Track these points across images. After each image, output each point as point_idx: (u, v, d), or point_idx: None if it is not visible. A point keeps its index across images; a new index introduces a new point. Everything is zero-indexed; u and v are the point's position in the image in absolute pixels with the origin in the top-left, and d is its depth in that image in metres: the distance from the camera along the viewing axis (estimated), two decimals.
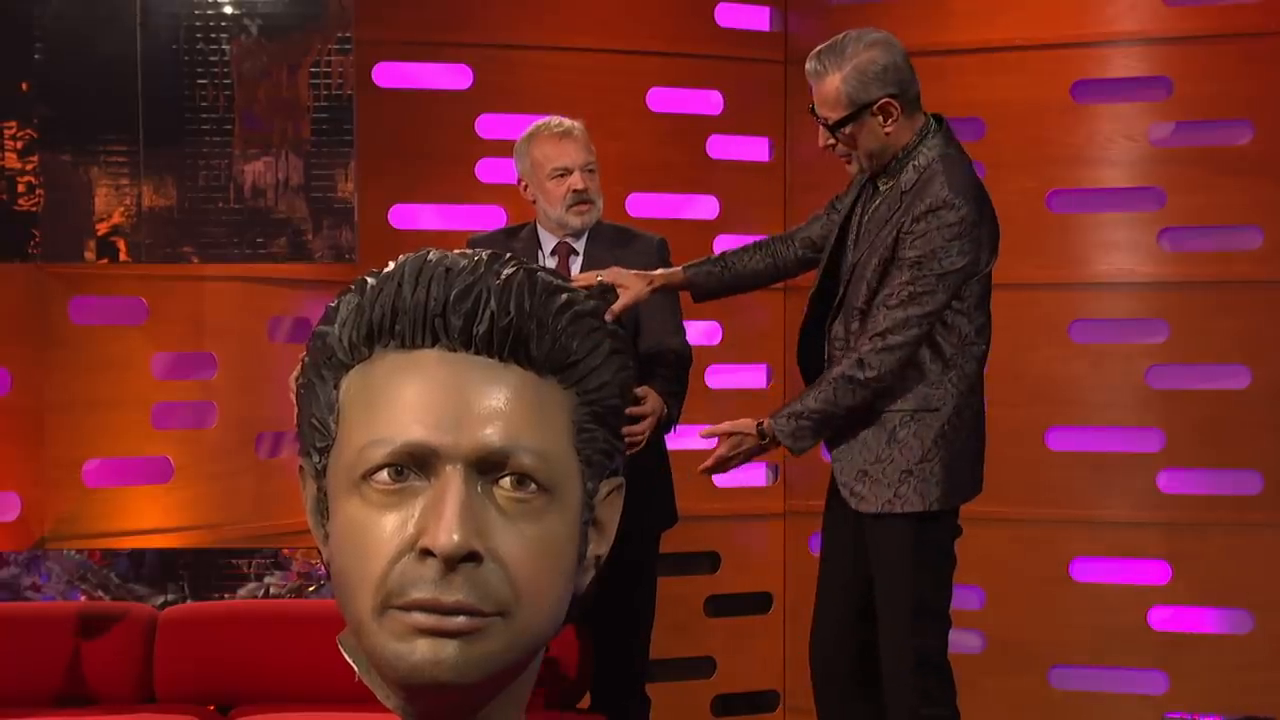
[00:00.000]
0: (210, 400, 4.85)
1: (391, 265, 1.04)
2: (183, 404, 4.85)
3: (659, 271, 3.96)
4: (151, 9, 4.54)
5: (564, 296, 1.02)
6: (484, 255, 1.03)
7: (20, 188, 4.52)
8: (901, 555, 3.66)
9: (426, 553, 0.97)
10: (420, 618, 0.97)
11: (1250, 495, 4.98)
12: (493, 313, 1.00)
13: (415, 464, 0.99)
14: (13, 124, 4.51)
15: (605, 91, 5.13)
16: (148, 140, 4.56)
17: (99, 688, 4.16)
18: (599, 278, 3.82)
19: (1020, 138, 5.09)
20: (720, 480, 5.33)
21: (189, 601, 4.50)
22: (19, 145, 4.51)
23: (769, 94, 5.36)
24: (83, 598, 4.51)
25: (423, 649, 0.97)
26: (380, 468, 0.99)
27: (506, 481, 1.00)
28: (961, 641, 4.71)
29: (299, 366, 1.08)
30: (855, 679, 3.83)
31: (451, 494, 0.98)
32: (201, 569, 4.61)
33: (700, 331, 5.14)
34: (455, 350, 1.01)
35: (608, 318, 1.06)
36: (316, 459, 1.05)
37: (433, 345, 1.01)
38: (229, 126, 4.60)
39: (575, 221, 4.15)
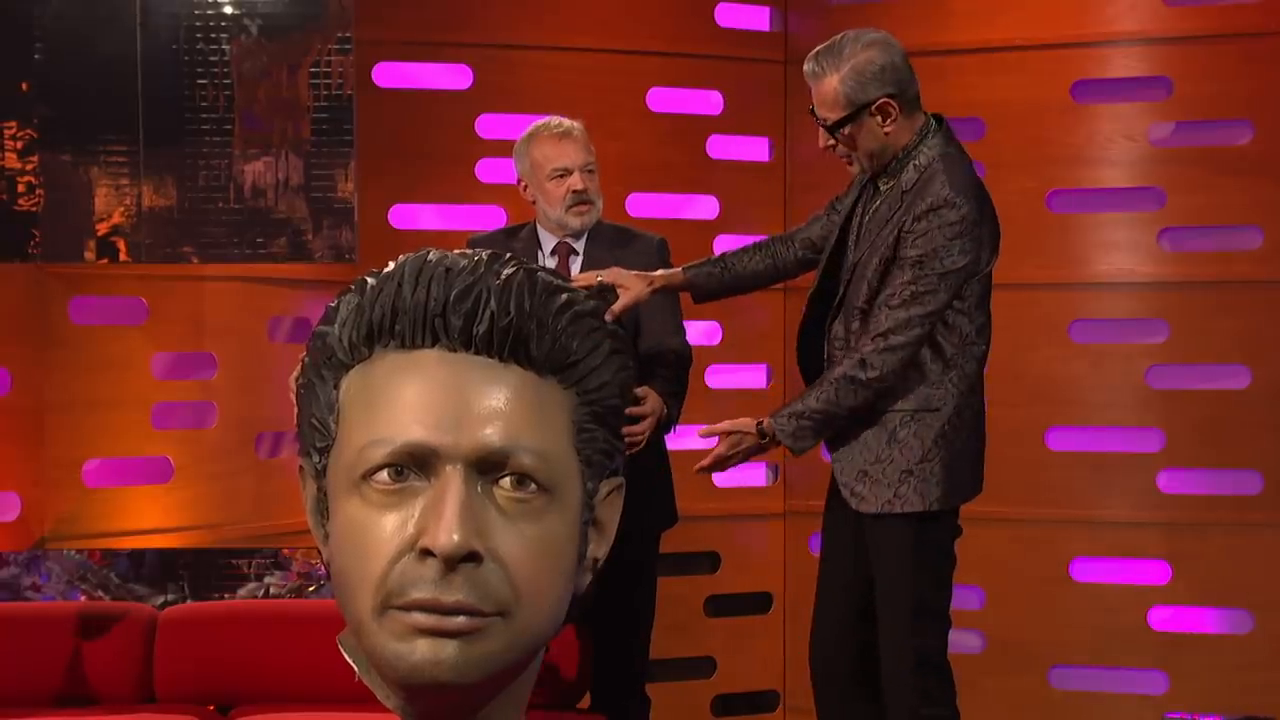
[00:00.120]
0: (210, 400, 4.85)
1: (391, 265, 1.04)
2: (183, 404, 4.85)
3: (659, 272, 3.96)
4: (151, 9, 4.54)
5: (564, 296, 1.02)
6: (484, 255, 1.03)
7: (20, 188, 4.52)
8: (902, 555, 3.66)
9: (426, 553, 0.97)
10: (420, 618, 0.97)
11: (1250, 495, 4.98)
12: (493, 313, 1.00)
13: (415, 464, 0.99)
14: (13, 124, 4.51)
15: (605, 91, 5.13)
16: (148, 140, 4.56)
17: (99, 688, 4.16)
18: (599, 278, 3.82)
19: (1020, 138, 5.09)
20: (720, 480, 5.33)
21: (189, 601, 4.50)
22: (19, 145, 4.51)
23: (769, 94, 5.36)
24: (83, 598, 4.51)
25: (423, 649, 0.97)
26: (380, 468, 0.99)
27: (506, 481, 1.00)
28: (961, 641, 4.71)
29: (299, 366, 1.08)
30: (855, 679, 3.83)
31: (451, 494, 0.98)
32: (201, 569, 4.61)
33: (700, 331, 5.14)
34: (455, 350, 1.01)
35: (608, 318, 1.06)
36: (316, 459, 1.06)
37: (433, 345, 1.01)
38: (229, 126, 4.60)
39: (575, 222, 4.15)
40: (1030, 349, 5.06)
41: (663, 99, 5.26)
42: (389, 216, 5.00)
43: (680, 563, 5.13)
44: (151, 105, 4.55)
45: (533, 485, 1.00)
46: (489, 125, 5.07)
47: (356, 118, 4.68)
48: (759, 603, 5.43)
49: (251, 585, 4.61)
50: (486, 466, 0.99)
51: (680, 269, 3.98)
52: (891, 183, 3.67)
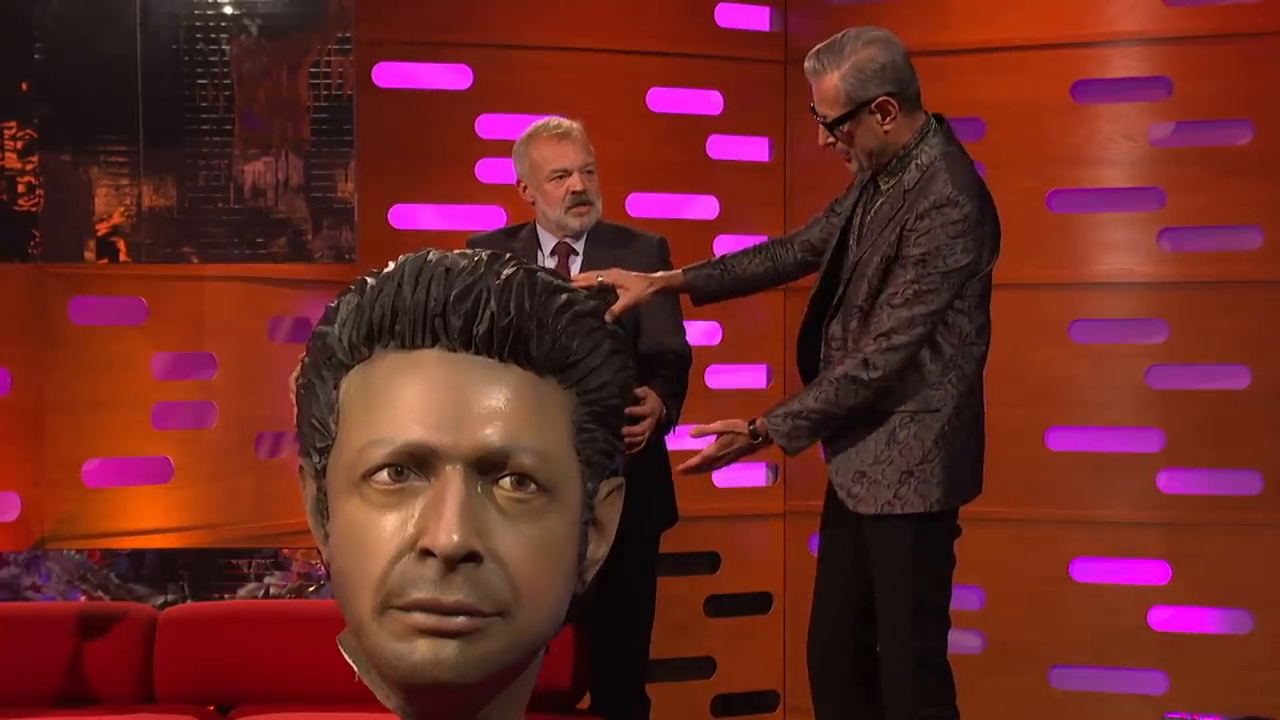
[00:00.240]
0: (210, 400, 4.85)
1: (391, 265, 1.04)
2: (183, 404, 4.85)
3: (659, 274, 3.95)
4: (151, 9, 4.54)
5: (564, 296, 1.02)
6: (484, 255, 1.03)
7: (20, 188, 4.52)
8: (901, 556, 3.65)
9: (426, 553, 0.97)
10: (420, 618, 0.97)
11: (1250, 495, 4.98)
12: (493, 313, 1.00)
13: (415, 464, 0.99)
14: (13, 124, 4.51)
15: (605, 91, 5.13)
16: (148, 140, 4.56)
17: (99, 688, 4.16)
18: (599, 278, 3.81)
19: (1020, 138, 5.09)
20: (720, 480, 5.33)
21: (189, 601, 4.50)
22: (19, 145, 4.51)
23: (769, 94, 5.36)
24: (83, 598, 4.51)
25: (423, 649, 0.97)
26: (380, 468, 0.99)
27: (506, 481, 1.00)
28: (961, 642, 4.71)
29: (299, 366, 1.08)
30: (854, 680, 3.82)
31: (451, 494, 0.98)
32: (201, 569, 4.61)
33: (700, 331, 5.14)
34: (455, 350, 1.01)
35: (607, 318, 1.06)
36: (316, 459, 1.06)
37: (433, 345, 1.01)
38: (229, 126, 4.60)
39: (574, 223, 4.15)
40: (1030, 349, 5.06)
41: (663, 99, 5.26)
42: (389, 216, 5.00)
43: (680, 563, 5.13)
44: (151, 105, 4.55)
45: (533, 485, 1.00)
46: (489, 125, 5.07)
47: (356, 118, 4.68)
48: (759, 603, 5.43)
49: (251, 585, 4.61)
50: (486, 466, 0.99)
51: (680, 270, 3.97)
52: (893, 182, 3.67)
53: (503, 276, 1.01)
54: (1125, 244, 5.10)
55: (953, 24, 5.15)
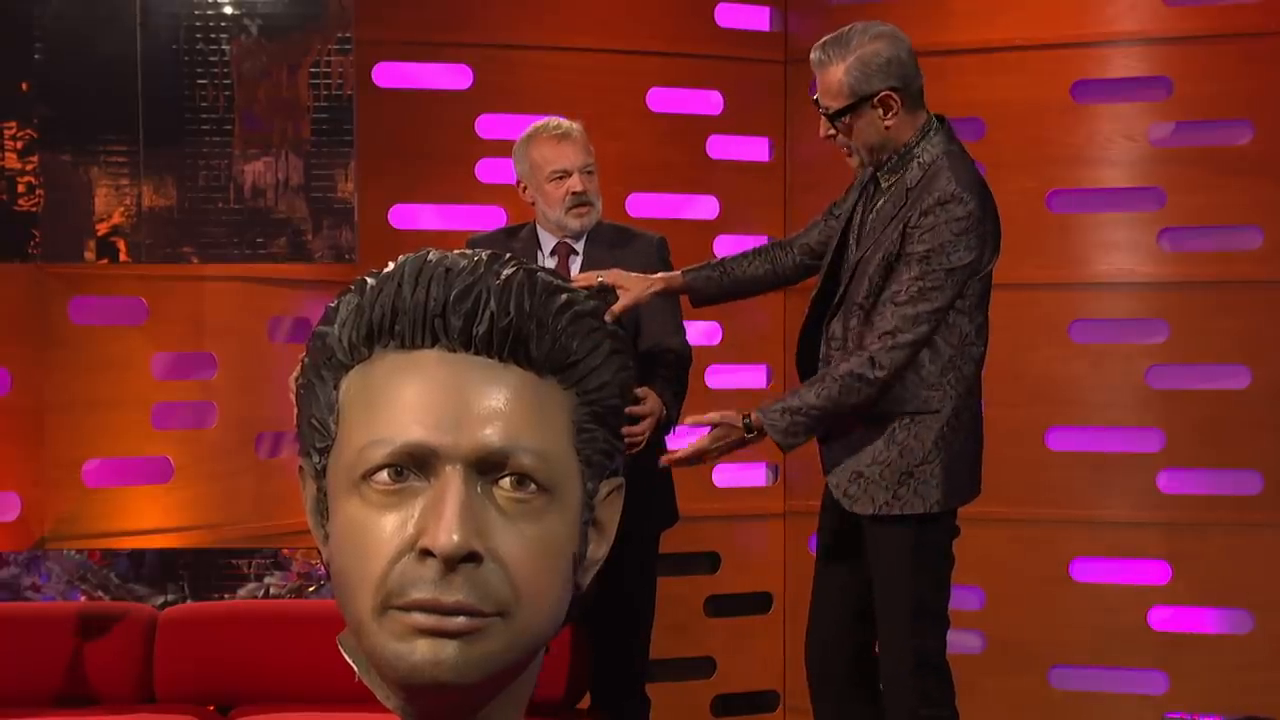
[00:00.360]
0: (210, 400, 4.85)
1: (391, 265, 1.04)
2: (183, 404, 4.85)
3: (659, 275, 3.95)
4: (151, 9, 4.54)
5: (564, 297, 1.02)
6: (484, 255, 1.03)
7: (20, 188, 4.52)
8: (901, 557, 3.65)
9: (426, 553, 0.97)
10: (420, 618, 0.97)
11: (1250, 495, 4.98)
12: (492, 313, 1.00)
13: (415, 464, 0.99)
14: (13, 124, 4.51)
15: (605, 91, 5.13)
16: (148, 140, 4.56)
17: (99, 688, 4.16)
18: (599, 278, 3.81)
19: (1020, 138, 5.09)
20: (720, 480, 5.34)
21: (189, 601, 4.50)
22: (19, 145, 4.51)
23: (769, 94, 5.36)
24: (83, 598, 4.51)
25: (423, 649, 0.97)
26: (380, 468, 0.99)
27: (506, 482, 1.00)
28: (961, 642, 4.71)
29: (299, 367, 1.08)
30: (851, 680, 3.82)
31: (451, 494, 0.98)
32: (201, 569, 4.61)
33: (700, 332, 5.14)
34: (455, 350, 1.01)
35: (607, 318, 1.06)
36: (316, 459, 1.06)
37: (432, 345, 1.01)
38: (229, 126, 4.60)
39: (574, 224, 4.14)
40: (1030, 349, 5.06)
41: (663, 99, 5.26)
42: (389, 216, 5.00)
43: (680, 563, 5.13)
44: (151, 105, 4.55)
45: (533, 485, 1.00)
46: (489, 125, 5.07)
47: (356, 118, 4.68)
48: (759, 603, 5.43)
49: (251, 585, 4.61)
50: (486, 467, 0.99)
51: (680, 272, 3.97)
52: (894, 180, 3.67)
53: (503, 276, 1.01)
54: (1125, 244, 5.10)
55: (953, 24, 5.15)
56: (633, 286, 3.84)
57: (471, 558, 0.97)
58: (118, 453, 4.78)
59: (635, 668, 4.29)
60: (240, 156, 4.60)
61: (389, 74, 5.02)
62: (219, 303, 4.89)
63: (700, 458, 3.68)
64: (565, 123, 4.18)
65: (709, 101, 5.34)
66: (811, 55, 3.66)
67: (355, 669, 1.05)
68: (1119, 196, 5.10)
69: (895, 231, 3.60)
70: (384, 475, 0.99)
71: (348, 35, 4.65)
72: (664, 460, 3.75)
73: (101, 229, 4.56)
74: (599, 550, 1.08)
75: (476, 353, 1.01)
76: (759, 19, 5.40)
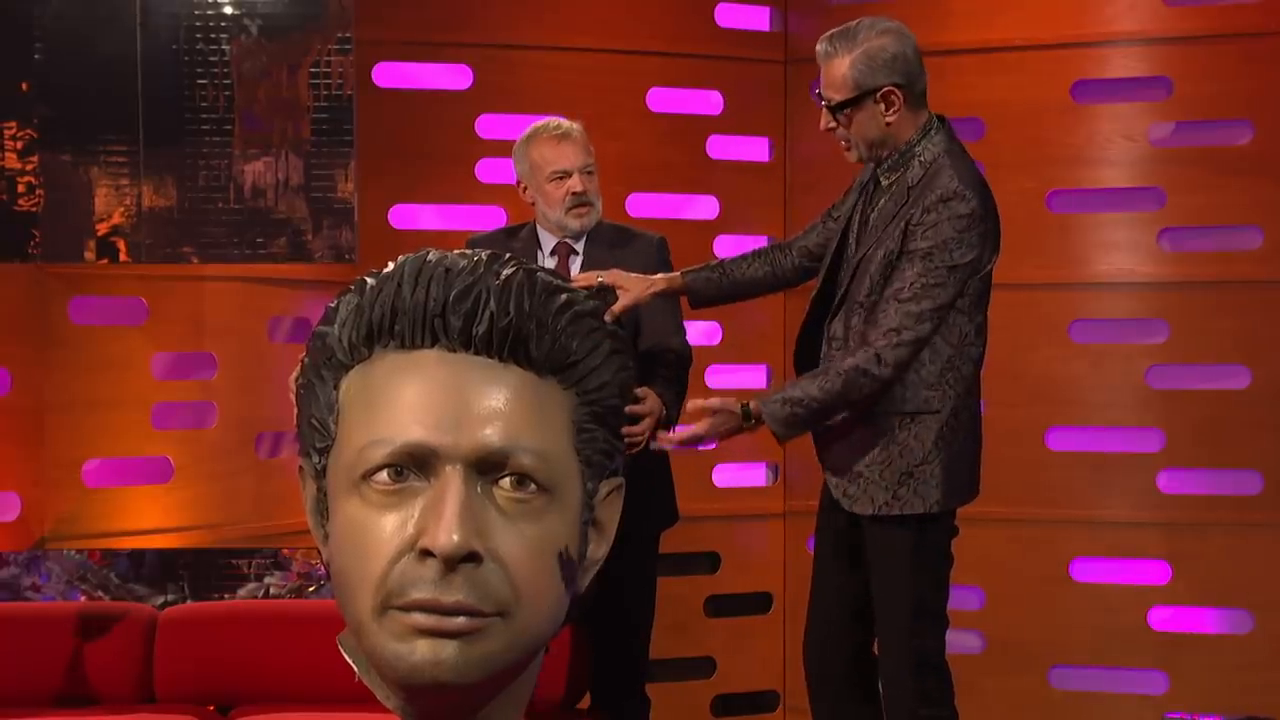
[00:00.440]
0: (210, 400, 4.85)
1: (391, 265, 1.04)
2: (183, 404, 4.85)
3: (659, 276, 3.94)
4: (151, 9, 4.54)
5: (564, 297, 1.02)
6: (484, 255, 1.03)
7: (20, 188, 4.52)
8: (900, 557, 3.64)
9: (426, 553, 0.97)
10: (420, 618, 0.97)
11: (1250, 495, 4.98)
12: (492, 313, 1.00)
13: (415, 464, 0.99)
14: (13, 124, 4.51)
15: (605, 91, 5.13)
16: (148, 140, 4.56)
17: (99, 688, 4.16)
18: (599, 279, 3.81)
19: (1020, 138, 5.09)
20: (720, 480, 5.34)
21: (189, 601, 4.50)
22: (19, 145, 4.51)
23: (769, 94, 5.36)
24: (83, 598, 4.51)
25: (422, 649, 0.97)
26: (380, 468, 0.99)
27: (506, 482, 1.00)
28: (961, 642, 4.71)
29: (299, 367, 1.08)
30: (849, 680, 3.82)
31: (451, 494, 0.98)
32: (201, 569, 4.61)
33: (700, 331, 5.14)
34: (455, 350, 1.01)
35: (607, 319, 1.06)
36: (316, 459, 1.06)
37: (432, 345, 1.01)
38: (229, 126, 4.60)
39: (574, 224, 4.14)
40: (1030, 349, 5.06)
41: (663, 99, 5.26)
42: (389, 216, 5.00)
43: (680, 563, 5.13)
44: (151, 105, 4.55)
45: (532, 485, 1.00)
46: (489, 125, 5.07)
47: (356, 118, 4.68)
48: (759, 603, 5.43)
49: (251, 585, 4.61)
50: (486, 467, 0.99)
51: (679, 273, 3.97)
52: (895, 178, 3.66)
53: (502, 277, 1.01)
54: (1125, 244, 5.09)
55: (952, 24, 5.14)
56: (632, 287, 3.84)
57: (471, 558, 0.97)
58: (118, 453, 4.78)
59: (635, 668, 4.29)
60: (240, 156, 4.60)
61: (389, 74, 5.02)
62: (219, 303, 4.89)
63: (696, 441, 3.66)
64: (565, 123, 4.18)
65: (709, 101, 5.34)
66: (817, 47, 3.66)
67: (355, 669, 1.05)
68: (1119, 196, 5.10)
69: (897, 229, 3.59)
70: (384, 475, 0.99)
71: (348, 35, 4.65)
72: (660, 439, 3.73)
73: (101, 229, 4.56)
74: (599, 550, 1.08)
75: (476, 353, 1.01)
76: (759, 19, 5.40)
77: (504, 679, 1.01)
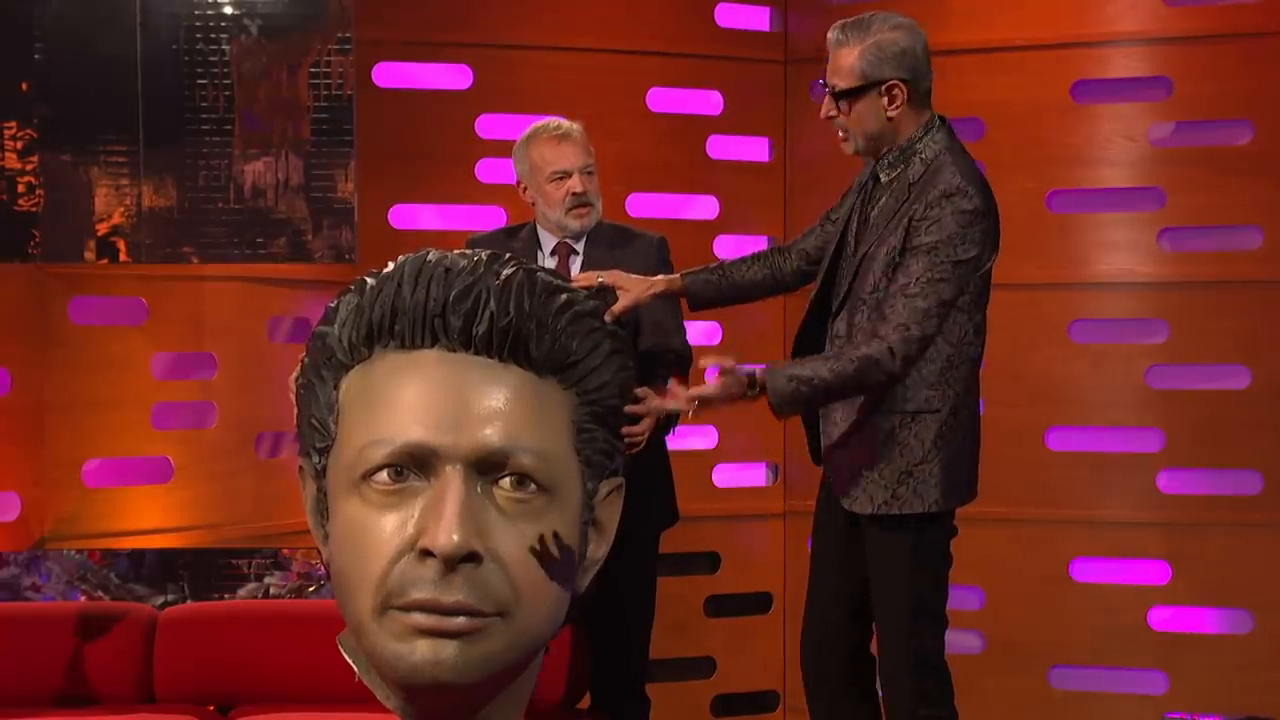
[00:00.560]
0: (210, 400, 4.85)
1: (391, 265, 1.04)
2: (183, 404, 4.85)
3: (659, 277, 3.94)
4: (151, 9, 4.54)
5: (564, 297, 1.02)
6: (484, 255, 1.03)
7: (20, 188, 4.52)
8: (900, 557, 3.64)
9: (426, 553, 0.97)
10: (420, 618, 0.97)
11: (1250, 495, 4.98)
12: (492, 313, 1.00)
13: (415, 464, 0.99)
14: (13, 124, 4.51)
15: (605, 91, 5.13)
16: (148, 140, 4.56)
17: (99, 688, 4.16)
18: (599, 279, 3.81)
19: (1020, 138, 5.09)
20: (720, 480, 5.34)
21: (189, 601, 4.50)
22: (19, 145, 4.51)
23: (769, 94, 5.36)
24: (83, 598, 4.51)
25: (422, 649, 0.97)
26: (380, 468, 0.99)
27: (506, 482, 1.00)
28: (961, 642, 4.71)
29: (299, 367, 1.08)
30: (847, 680, 3.82)
31: (451, 494, 0.98)
32: (201, 569, 4.61)
33: (700, 332, 5.14)
34: (455, 350, 1.01)
35: (607, 319, 1.06)
36: (316, 459, 1.05)
37: (432, 345, 1.01)
38: (229, 126, 4.60)
39: (574, 224, 4.15)
40: (1030, 349, 5.06)
41: (663, 99, 5.26)
42: (389, 216, 5.00)
43: (680, 563, 5.13)
44: (151, 105, 4.55)
45: (532, 485, 1.00)
46: (489, 125, 5.07)
47: (356, 118, 4.68)
48: (759, 603, 5.43)
49: (251, 585, 4.61)
50: (486, 467, 0.99)
51: (679, 274, 3.96)
52: (895, 175, 3.66)
53: (502, 277, 1.01)
54: (1125, 244, 5.09)
55: (952, 24, 5.14)
56: (632, 287, 3.84)
57: (471, 558, 0.97)
58: (118, 453, 4.78)
59: (635, 668, 4.29)
60: (240, 156, 4.60)
61: (389, 74, 5.02)
62: (219, 303, 4.89)
63: (705, 404, 3.56)
64: (565, 123, 4.18)
65: (709, 101, 5.34)
66: (829, 34, 3.66)
67: (355, 669, 1.05)
68: (1119, 196, 5.10)
69: (899, 225, 3.59)
70: (384, 475, 0.99)
71: (348, 35, 4.65)
72: (658, 401, 3.64)
73: (101, 229, 4.56)
74: (599, 550, 1.08)
75: (476, 353, 1.01)
76: (759, 19, 5.40)
77: (504, 679, 1.01)
